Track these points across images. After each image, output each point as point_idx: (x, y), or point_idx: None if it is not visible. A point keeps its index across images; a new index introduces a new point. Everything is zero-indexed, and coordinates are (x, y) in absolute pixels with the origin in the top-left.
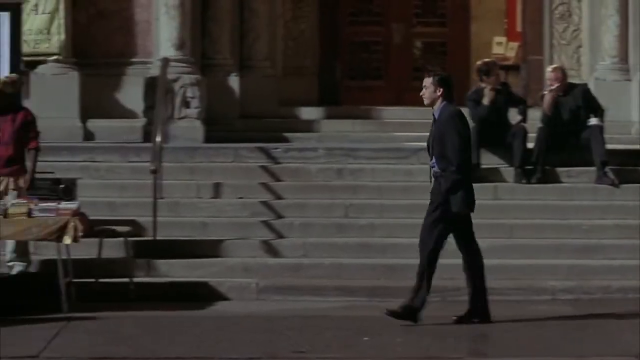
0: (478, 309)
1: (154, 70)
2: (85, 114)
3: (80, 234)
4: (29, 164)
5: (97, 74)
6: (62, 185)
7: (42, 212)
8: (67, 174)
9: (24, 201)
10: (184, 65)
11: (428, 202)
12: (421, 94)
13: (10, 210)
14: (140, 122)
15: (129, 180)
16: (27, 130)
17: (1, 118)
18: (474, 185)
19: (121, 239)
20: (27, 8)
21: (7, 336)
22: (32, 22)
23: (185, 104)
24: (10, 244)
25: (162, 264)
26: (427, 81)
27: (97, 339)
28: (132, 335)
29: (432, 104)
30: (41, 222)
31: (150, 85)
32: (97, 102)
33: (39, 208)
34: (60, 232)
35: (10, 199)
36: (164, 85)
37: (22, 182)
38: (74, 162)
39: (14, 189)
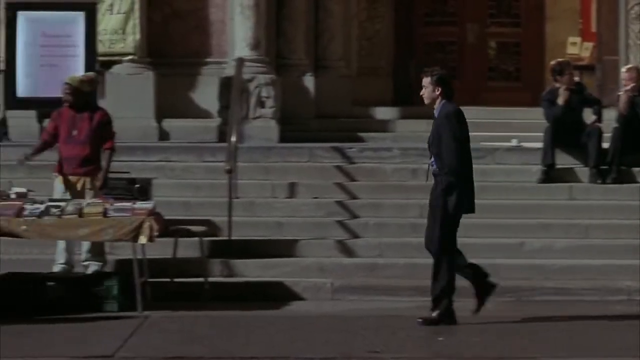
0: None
1: (229, 70)
2: (160, 113)
3: (156, 233)
4: (103, 163)
5: (172, 73)
6: (138, 185)
7: (117, 212)
8: (143, 173)
9: (100, 201)
10: (259, 65)
11: (503, 202)
12: (421, 93)
13: (86, 210)
14: (215, 122)
15: (204, 180)
16: (104, 131)
17: (77, 116)
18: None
19: (196, 238)
20: (102, 8)
21: (84, 335)
22: (107, 22)
23: (260, 103)
24: (85, 244)
25: (237, 263)
26: (426, 81)
27: (172, 339)
28: (207, 335)
29: (432, 104)
30: (117, 222)
31: (225, 85)
32: (172, 102)
33: (115, 208)
34: (136, 232)
35: (86, 199)
36: (239, 85)
37: (98, 182)
38: (149, 162)
39: (90, 189)
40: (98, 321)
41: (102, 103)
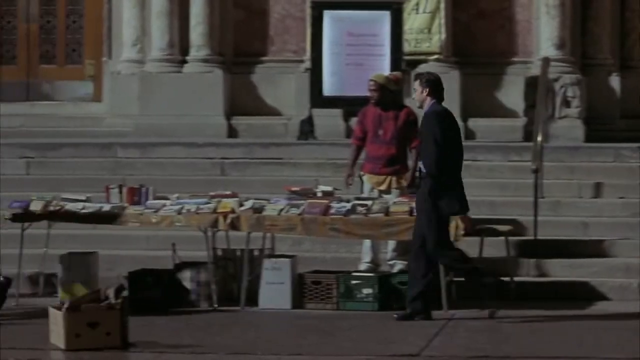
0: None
1: (534, 70)
2: (466, 113)
3: (462, 232)
4: (410, 163)
5: (477, 73)
6: None
7: None
8: None
9: (406, 200)
10: (564, 64)
11: None
12: (412, 96)
13: (392, 209)
14: (521, 121)
15: (509, 179)
16: (409, 130)
17: (383, 115)
18: None
19: (502, 238)
20: (407, 7)
21: (389, 334)
22: (412, 21)
23: (566, 103)
24: (391, 243)
25: (543, 263)
26: (416, 84)
27: (478, 338)
28: (512, 334)
29: (421, 106)
30: None
31: (531, 85)
32: (477, 101)
33: None
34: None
35: (392, 197)
36: (545, 84)
37: (404, 182)
38: None
39: (396, 188)
40: (403, 320)
41: (408, 102)
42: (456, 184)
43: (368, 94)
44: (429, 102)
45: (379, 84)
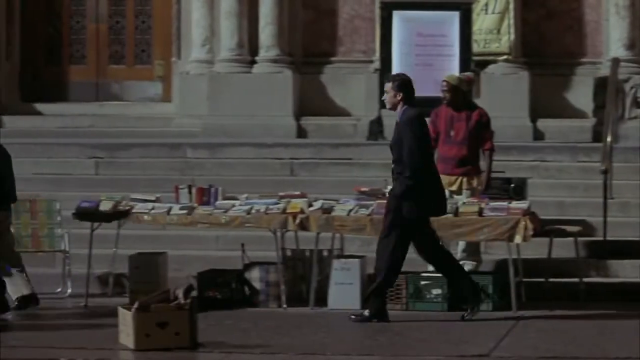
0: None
1: (604, 71)
2: (535, 113)
3: (531, 233)
4: (484, 164)
5: (546, 73)
6: (513, 185)
7: (492, 212)
8: (517, 173)
9: (475, 200)
10: (634, 65)
11: None
12: (382, 98)
13: (462, 209)
14: (590, 122)
15: (578, 180)
16: (482, 131)
17: (455, 116)
18: None
19: (570, 238)
20: (477, 8)
21: (458, 334)
22: (481, 22)
23: (636, 104)
24: (461, 243)
25: (612, 264)
26: (387, 86)
27: (547, 339)
28: (581, 335)
29: (393, 108)
30: (492, 222)
31: (600, 86)
32: (545, 102)
33: (490, 207)
34: (511, 231)
35: (462, 198)
36: (615, 85)
37: (475, 183)
38: (524, 162)
39: (467, 189)
40: (472, 320)
41: (476, 102)
42: (434, 185)
43: (440, 94)
44: (401, 105)
45: (452, 84)
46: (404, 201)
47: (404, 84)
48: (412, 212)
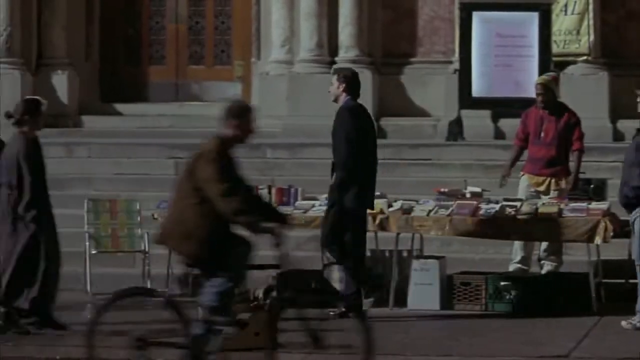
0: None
1: None
2: (614, 114)
3: (611, 234)
4: (573, 165)
5: (625, 74)
6: (593, 186)
7: (572, 212)
8: (597, 174)
9: (555, 201)
10: None
11: None
12: (328, 90)
13: (541, 210)
14: None
15: None
16: (571, 132)
17: (545, 118)
18: None
19: None
20: (556, 9)
21: (538, 335)
22: (561, 23)
23: None
24: (544, 243)
25: None
26: (333, 79)
27: (626, 340)
28: None
29: (336, 101)
30: (572, 223)
31: None
32: (626, 103)
33: (570, 208)
34: (591, 232)
35: (546, 199)
36: None
37: (563, 184)
38: (604, 162)
39: (555, 190)
40: (551, 321)
41: None
42: (366, 179)
43: (520, 95)
44: (343, 97)
45: (546, 86)
46: (342, 192)
47: (347, 78)
48: (352, 202)
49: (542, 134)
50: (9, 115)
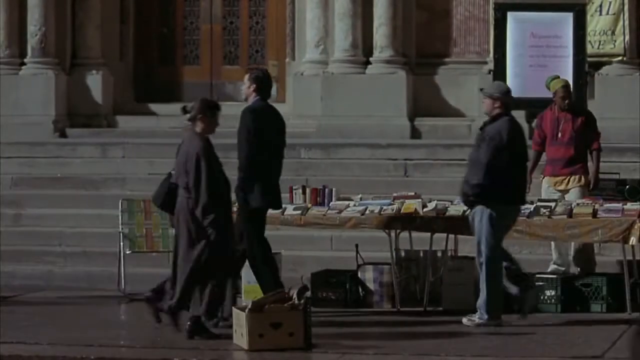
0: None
1: None
2: None
3: None
4: (592, 164)
5: None
6: (628, 186)
7: (606, 213)
8: (632, 174)
9: (589, 202)
10: None
11: None
12: (241, 90)
13: (576, 211)
14: None
15: None
16: (588, 131)
17: (561, 118)
18: None
19: None
20: (591, 9)
21: (572, 336)
22: (596, 23)
23: None
24: (574, 244)
25: None
26: (245, 78)
27: None
28: None
29: (247, 100)
30: (606, 223)
31: None
32: None
33: (604, 209)
34: (626, 233)
35: (572, 197)
36: None
37: (583, 182)
38: (638, 163)
39: (575, 186)
40: (586, 322)
41: (591, 104)
42: (267, 179)
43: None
44: (253, 97)
45: (569, 88)
46: (249, 193)
47: (258, 78)
48: (256, 201)
49: (560, 134)
50: (185, 111)
